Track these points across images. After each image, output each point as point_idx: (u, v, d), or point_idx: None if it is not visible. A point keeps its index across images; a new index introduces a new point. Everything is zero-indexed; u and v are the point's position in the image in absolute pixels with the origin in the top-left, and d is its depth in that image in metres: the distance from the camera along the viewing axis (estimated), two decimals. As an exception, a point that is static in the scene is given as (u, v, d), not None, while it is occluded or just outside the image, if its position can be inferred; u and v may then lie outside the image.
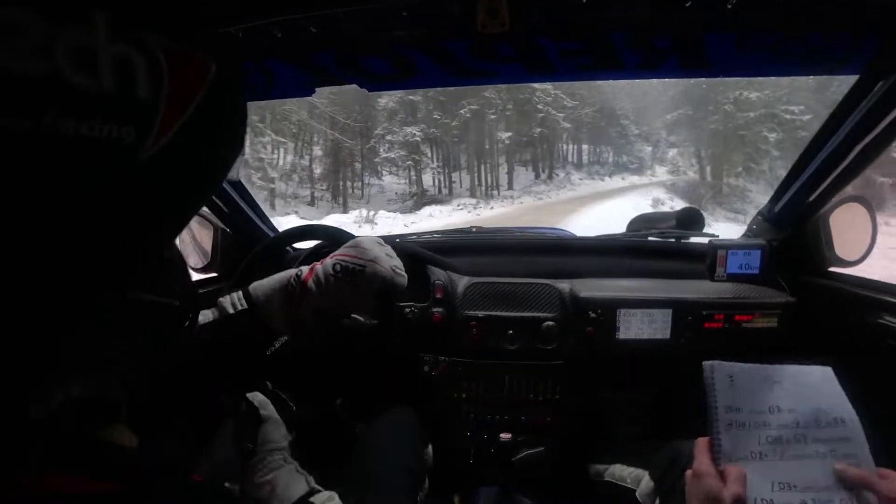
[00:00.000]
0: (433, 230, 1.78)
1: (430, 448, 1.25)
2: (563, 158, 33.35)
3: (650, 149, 36.27)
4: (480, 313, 1.36)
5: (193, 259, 1.49)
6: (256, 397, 0.96)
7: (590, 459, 1.36)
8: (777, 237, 1.42)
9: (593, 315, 1.33)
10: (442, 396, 1.39)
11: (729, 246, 1.35)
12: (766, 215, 1.46)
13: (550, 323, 1.35)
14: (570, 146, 34.46)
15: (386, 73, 1.15)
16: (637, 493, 1.10)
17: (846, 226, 1.32)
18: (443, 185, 27.09)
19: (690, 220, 1.54)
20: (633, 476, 1.17)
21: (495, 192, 26.54)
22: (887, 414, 1.05)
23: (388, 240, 1.51)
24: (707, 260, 1.36)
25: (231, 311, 0.88)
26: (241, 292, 0.90)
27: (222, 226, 1.50)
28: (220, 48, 0.33)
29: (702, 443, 0.62)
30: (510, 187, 27.57)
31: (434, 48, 1.07)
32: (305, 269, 0.90)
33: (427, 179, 26.49)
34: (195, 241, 1.49)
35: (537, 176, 30.11)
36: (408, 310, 1.36)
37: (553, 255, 1.58)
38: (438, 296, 1.37)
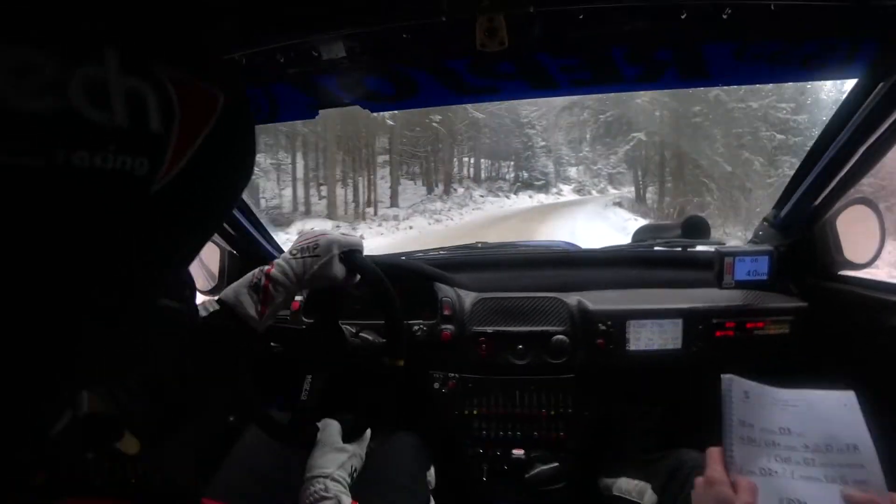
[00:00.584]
0: (439, 247, 1.78)
1: (432, 470, 1.24)
2: (457, 172, 28.87)
3: (553, 164, 34.04)
4: (489, 329, 1.36)
5: (201, 282, 1.49)
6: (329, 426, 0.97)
7: (601, 473, 1.34)
8: (784, 242, 1.41)
9: (603, 327, 1.32)
10: (453, 413, 1.38)
11: (736, 253, 1.35)
12: (771, 221, 1.45)
13: (560, 336, 1.34)
14: (468, 158, 30.56)
15: (388, 93, 1.17)
16: None
17: (854, 228, 1.31)
18: (300, 201, 20.13)
19: (696, 228, 1.54)
20: (638, 489, 1.15)
21: (370, 211, 20.78)
22: None
23: (394, 257, 1.53)
24: (714, 268, 1.36)
25: (204, 313, 0.90)
26: (211, 298, 0.94)
27: (229, 248, 1.51)
28: (228, 78, 0.34)
29: (715, 452, 0.64)
30: (393, 204, 21.92)
31: (435, 68, 1.09)
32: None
33: (288, 193, 20.37)
34: (202, 264, 1.49)
35: (430, 191, 25.10)
36: (416, 328, 1.36)
37: (560, 269, 1.58)
38: (446, 313, 1.37)
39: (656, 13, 0.91)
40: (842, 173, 1.18)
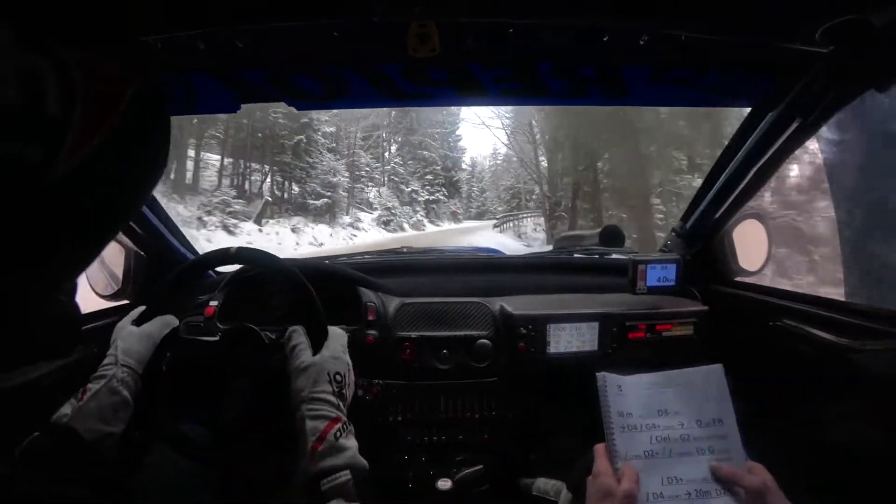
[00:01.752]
0: (364, 251, 1.75)
1: None
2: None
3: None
4: (413, 334, 1.35)
5: (102, 285, 1.36)
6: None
7: (522, 474, 1.38)
8: (689, 251, 1.54)
9: (524, 331, 1.36)
10: (376, 420, 1.36)
11: (648, 261, 1.45)
12: (679, 231, 1.58)
13: (483, 341, 1.36)
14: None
15: (316, 92, 1.13)
16: None
17: (747, 240, 1.47)
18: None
19: (612, 236, 1.63)
20: (555, 489, 1.19)
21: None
22: (780, 405, 1.17)
23: (317, 260, 1.48)
24: (629, 274, 1.45)
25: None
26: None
27: (135, 248, 1.38)
28: (141, 61, 0.31)
29: (600, 447, 0.69)
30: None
31: (366, 70, 1.07)
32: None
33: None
34: (104, 266, 1.36)
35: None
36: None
37: (484, 274, 1.61)
38: (370, 318, 1.34)
39: (582, 34, 0.96)
40: (737, 191, 1.31)
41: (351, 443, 0.80)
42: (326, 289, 1.20)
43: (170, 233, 1.45)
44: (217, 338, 1.07)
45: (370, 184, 30.16)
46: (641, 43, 0.93)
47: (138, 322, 0.94)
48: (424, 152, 35.24)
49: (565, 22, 0.93)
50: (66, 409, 0.79)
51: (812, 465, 1.06)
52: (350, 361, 0.93)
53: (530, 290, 1.52)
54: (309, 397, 0.83)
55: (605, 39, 0.93)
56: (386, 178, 32.39)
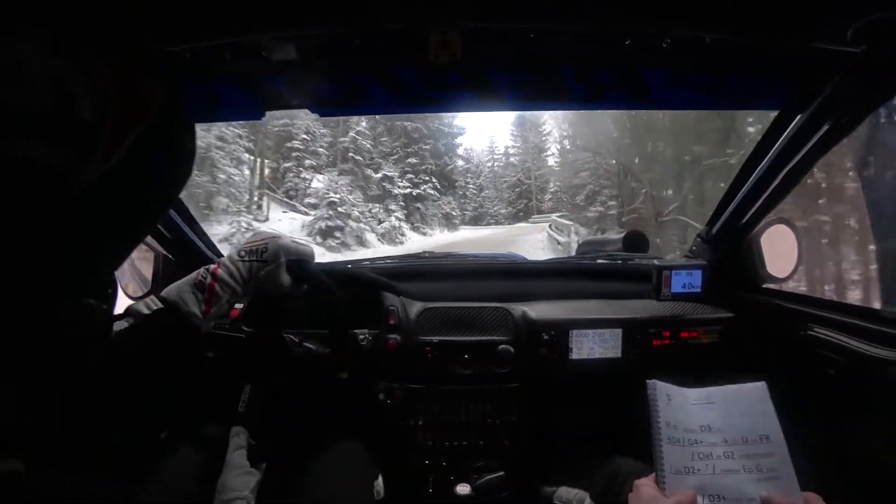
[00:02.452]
0: (386, 256, 1.76)
1: (380, 479, 1.22)
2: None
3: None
4: (435, 339, 1.35)
5: (132, 288, 1.40)
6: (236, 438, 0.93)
7: (543, 481, 1.37)
8: (715, 257, 1.51)
9: (546, 337, 1.35)
10: (397, 424, 1.36)
11: (673, 267, 1.42)
12: (704, 237, 1.55)
13: (505, 346, 1.35)
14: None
15: (337, 98, 1.15)
16: None
17: (775, 245, 1.42)
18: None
19: (636, 242, 1.61)
20: (578, 497, 1.17)
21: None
22: (816, 418, 1.13)
23: (341, 265, 1.49)
24: (653, 280, 1.42)
25: (146, 311, 0.86)
26: (153, 295, 0.90)
27: (164, 252, 1.42)
28: (170, 71, 0.32)
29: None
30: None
31: (385, 76, 1.08)
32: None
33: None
34: (134, 269, 1.40)
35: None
36: (361, 337, 1.33)
37: (505, 279, 1.60)
38: (392, 322, 1.35)
39: (603, 38, 0.95)
40: (765, 195, 1.28)
41: None
42: (349, 293, 1.21)
43: (195, 235, 1.49)
44: (243, 337, 1.10)
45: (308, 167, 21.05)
46: (664, 46, 0.92)
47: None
48: (406, 124, 26.05)
49: (587, 26, 0.92)
50: (194, 308, 0.88)
51: (844, 483, 1.02)
52: None
53: (553, 296, 1.51)
54: None
55: (627, 43, 0.92)
56: (338, 157, 22.43)
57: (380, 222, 21.15)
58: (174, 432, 1.17)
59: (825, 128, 1.05)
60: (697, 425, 0.66)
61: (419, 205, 25.77)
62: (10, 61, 0.23)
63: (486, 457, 1.37)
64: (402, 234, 21.87)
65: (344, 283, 1.26)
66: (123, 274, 1.40)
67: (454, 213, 29.44)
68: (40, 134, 0.24)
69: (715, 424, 0.66)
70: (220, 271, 0.91)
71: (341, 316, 1.03)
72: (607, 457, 1.15)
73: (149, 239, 1.38)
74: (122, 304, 1.38)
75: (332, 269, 1.40)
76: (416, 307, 1.41)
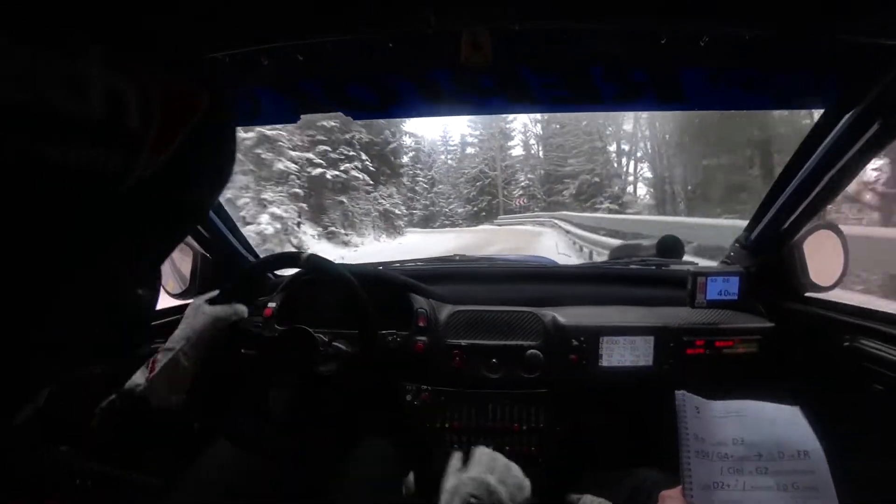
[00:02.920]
0: (416, 258, 1.77)
1: (410, 476, 1.22)
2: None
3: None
4: (464, 342, 1.35)
5: (172, 285, 1.45)
6: None
7: (569, 489, 1.34)
8: (754, 264, 1.45)
9: (576, 343, 1.33)
10: (425, 426, 1.36)
11: (708, 273, 1.38)
12: (743, 243, 1.49)
13: (534, 351, 1.34)
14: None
15: (371, 102, 1.17)
16: None
17: (819, 252, 1.36)
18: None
19: (670, 247, 1.57)
20: None
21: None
22: (861, 436, 1.07)
23: (370, 266, 1.51)
24: (687, 287, 1.38)
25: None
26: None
27: (202, 251, 1.47)
28: (212, 78, 0.33)
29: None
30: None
31: (419, 79, 1.09)
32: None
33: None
34: (173, 267, 1.46)
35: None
36: (390, 338, 1.34)
37: (536, 283, 1.59)
38: (421, 324, 1.36)
39: (638, 37, 0.93)
40: (809, 199, 1.22)
41: None
42: (379, 294, 1.22)
43: (233, 237, 1.54)
44: (275, 336, 1.12)
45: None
46: (702, 44, 0.90)
47: (212, 302, 1.00)
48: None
49: (622, 25, 0.91)
50: (139, 379, 0.87)
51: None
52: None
53: (583, 301, 1.49)
54: None
55: (662, 42, 0.91)
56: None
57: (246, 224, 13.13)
58: (207, 425, 1.21)
59: (876, 126, 1.00)
60: (730, 438, 0.63)
61: (342, 198, 17.38)
62: (70, 74, 0.25)
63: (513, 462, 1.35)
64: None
65: (374, 285, 1.28)
66: (164, 272, 1.46)
67: (397, 212, 21.31)
68: (96, 141, 0.26)
69: (748, 438, 0.63)
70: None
71: (370, 316, 1.04)
72: (632, 468, 1.12)
73: (188, 239, 1.44)
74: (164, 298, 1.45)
75: (362, 271, 1.42)
76: (445, 310, 1.41)
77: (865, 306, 1.20)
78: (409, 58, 1.03)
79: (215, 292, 1.07)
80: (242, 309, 1.03)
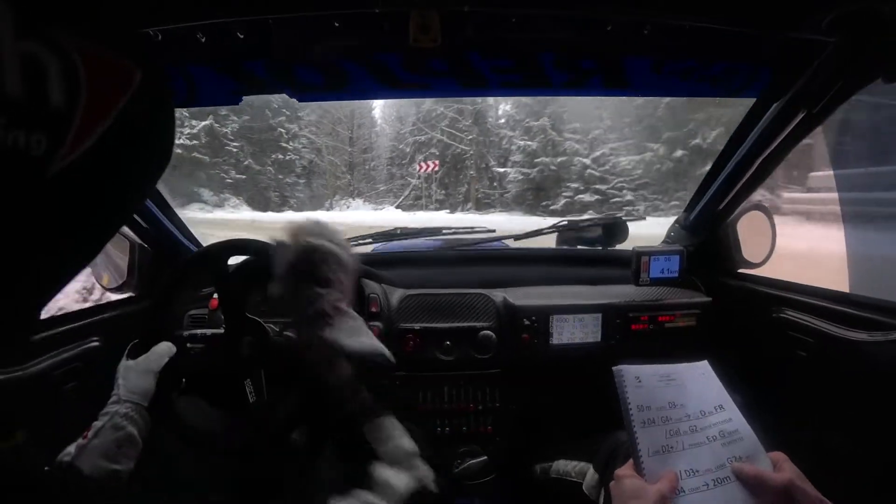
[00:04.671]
0: (357, 236, 1.72)
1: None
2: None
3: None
4: (417, 325, 1.36)
5: (107, 278, 1.36)
6: None
7: (535, 460, 1.39)
8: (693, 243, 1.54)
9: (528, 322, 1.37)
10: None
11: (651, 252, 1.44)
12: (682, 223, 1.58)
13: (486, 332, 1.36)
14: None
15: (317, 83, 1.13)
16: (584, 487, 1.13)
17: (751, 231, 1.46)
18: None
19: (616, 229, 1.63)
20: (578, 469, 1.20)
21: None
22: (789, 398, 1.17)
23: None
24: (632, 266, 1.44)
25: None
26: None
27: (139, 241, 1.39)
28: (145, 52, 0.31)
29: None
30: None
31: (366, 60, 1.06)
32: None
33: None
34: (108, 259, 1.36)
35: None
36: None
37: (486, 266, 1.61)
38: (374, 310, 1.35)
39: (584, 24, 0.95)
40: (741, 182, 1.31)
41: None
42: None
43: (173, 225, 1.46)
44: (222, 330, 1.08)
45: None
46: (645, 33, 0.92)
47: (134, 354, 0.93)
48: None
49: (569, 12, 0.92)
50: (71, 448, 0.78)
51: (817, 460, 1.06)
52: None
53: (533, 282, 1.53)
54: None
55: (608, 29, 0.93)
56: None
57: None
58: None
59: (800, 116, 1.07)
60: (666, 402, 0.68)
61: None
62: None
63: (470, 442, 1.39)
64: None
65: None
66: (97, 265, 1.37)
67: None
68: (18, 120, 0.24)
69: (678, 401, 0.68)
70: None
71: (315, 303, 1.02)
72: (606, 433, 1.17)
73: (124, 229, 1.34)
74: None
75: None
76: (397, 294, 1.40)
77: (788, 280, 1.30)
78: (356, 38, 1.00)
79: (134, 342, 0.99)
80: (170, 348, 0.96)
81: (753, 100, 1.15)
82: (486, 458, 1.37)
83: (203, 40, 0.97)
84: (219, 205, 20.28)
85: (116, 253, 1.36)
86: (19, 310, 0.31)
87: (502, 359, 1.38)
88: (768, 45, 0.99)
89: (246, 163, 21.45)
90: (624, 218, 1.63)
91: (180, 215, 1.48)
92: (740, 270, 1.48)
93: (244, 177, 21.36)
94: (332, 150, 26.52)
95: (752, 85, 1.09)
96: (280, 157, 22.90)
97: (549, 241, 1.83)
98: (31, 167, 0.25)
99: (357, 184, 27.15)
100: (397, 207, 23.19)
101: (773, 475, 0.60)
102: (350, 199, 26.21)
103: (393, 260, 1.59)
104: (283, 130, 22.76)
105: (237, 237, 1.10)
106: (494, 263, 1.64)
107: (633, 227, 1.61)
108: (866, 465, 0.98)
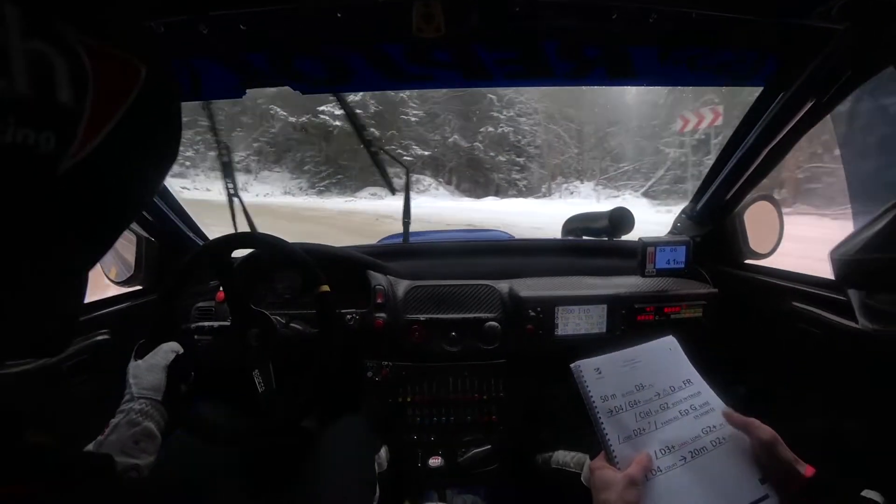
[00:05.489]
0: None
1: (383, 451, 1.24)
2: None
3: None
4: (422, 316, 1.36)
5: (115, 272, 1.38)
6: None
7: (537, 450, 1.40)
8: (699, 233, 1.53)
9: (533, 313, 1.37)
10: (387, 402, 1.38)
11: (657, 243, 1.44)
12: (688, 213, 1.56)
13: (492, 323, 1.37)
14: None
15: (321, 76, 1.12)
16: (582, 478, 1.14)
17: (758, 222, 1.45)
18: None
19: (622, 219, 1.62)
20: (576, 460, 1.21)
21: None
22: (796, 389, 1.17)
23: (325, 245, 1.49)
24: (638, 256, 1.44)
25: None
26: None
27: (146, 235, 1.40)
28: (150, 48, 0.31)
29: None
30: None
31: (369, 51, 1.06)
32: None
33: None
34: (116, 253, 1.38)
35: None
36: (349, 316, 1.33)
37: (492, 257, 1.61)
38: (379, 301, 1.36)
39: (589, 12, 0.93)
40: (748, 172, 1.29)
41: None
42: (335, 273, 1.21)
43: (179, 219, 1.47)
44: (228, 322, 1.09)
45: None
46: (650, 21, 0.91)
47: (141, 354, 0.94)
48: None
49: (573, 0, 0.91)
50: (90, 446, 0.80)
51: (824, 451, 1.06)
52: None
53: (539, 273, 1.53)
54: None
55: (613, 17, 0.91)
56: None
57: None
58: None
59: (808, 105, 1.05)
60: (633, 385, 0.69)
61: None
62: None
63: (474, 431, 1.40)
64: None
65: (329, 263, 1.26)
66: (106, 258, 1.38)
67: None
68: (26, 118, 0.24)
69: (646, 382, 0.69)
70: None
71: (328, 295, 1.03)
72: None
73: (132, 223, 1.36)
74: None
75: (317, 250, 1.40)
76: (403, 285, 1.41)
77: (797, 271, 1.29)
78: (358, 29, 1.00)
79: (141, 342, 1.00)
80: (175, 346, 0.98)
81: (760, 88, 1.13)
82: (489, 447, 1.39)
83: (205, 32, 0.97)
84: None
85: (123, 246, 1.38)
86: (36, 304, 0.32)
87: (507, 349, 1.39)
88: (776, 33, 0.97)
89: (451, 139, 19.12)
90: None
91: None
92: (747, 261, 1.47)
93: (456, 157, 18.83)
94: (555, 118, 21.36)
95: (759, 73, 1.07)
96: (491, 130, 19.78)
97: (555, 232, 1.83)
98: (40, 165, 0.25)
99: (588, 161, 21.63)
100: (645, 195, 17.62)
101: (761, 425, 0.62)
102: (578, 183, 21.24)
103: (399, 252, 1.59)
104: (493, 97, 19.55)
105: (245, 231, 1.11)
106: (500, 254, 1.64)
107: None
108: (876, 457, 0.97)
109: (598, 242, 1.69)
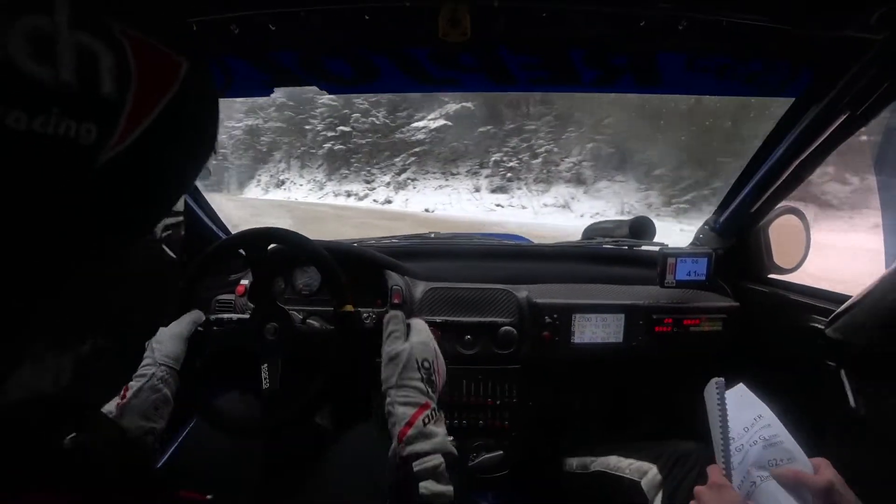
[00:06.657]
0: (391, 235, 1.76)
1: None
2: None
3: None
4: (438, 318, 1.36)
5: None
6: None
7: (563, 455, 1.39)
8: (722, 246, 1.50)
9: (549, 320, 1.36)
10: None
11: (678, 254, 1.41)
12: (711, 225, 1.53)
13: (507, 328, 1.36)
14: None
15: (347, 76, 1.13)
16: (642, 483, 1.13)
17: (784, 236, 1.41)
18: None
19: (642, 228, 1.60)
20: (635, 468, 1.19)
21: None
22: (819, 409, 1.14)
23: (345, 243, 1.50)
24: (658, 267, 1.42)
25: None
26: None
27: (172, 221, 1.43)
28: (191, 43, 0.31)
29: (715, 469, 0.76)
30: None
31: (396, 53, 1.07)
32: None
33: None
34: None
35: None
36: (365, 315, 1.34)
37: (510, 261, 1.60)
38: (396, 301, 1.36)
39: (617, 19, 0.93)
40: (776, 185, 1.26)
41: (440, 429, 0.78)
42: (353, 271, 1.22)
43: (204, 214, 1.50)
44: (247, 315, 1.11)
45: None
46: (680, 28, 0.90)
47: (166, 322, 0.97)
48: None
49: (601, 7, 0.90)
50: (111, 407, 0.83)
51: (852, 475, 1.03)
52: (437, 349, 0.92)
53: (557, 280, 1.51)
54: (398, 384, 0.83)
55: (641, 25, 0.90)
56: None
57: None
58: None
59: (843, 117, 1.02)
60: (741, 422, 0.78)
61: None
62: (36, 34, 0.23)
63: (486, 436, 1.39)
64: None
65: (348, 262, 1.27)
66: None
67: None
68: (67, 109, 0.24)
69: (735, 417, 0.78)
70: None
71: (346, 293, 1.04)
72: (666, 438, 1.18)
73: None
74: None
75: (336, 248, 1.41)
76: (420, 287, 1.41)
77: (819, 287, 1.26)
78: (385, 31, 1.01)
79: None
80: (200, 316, 1.01)
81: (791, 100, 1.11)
82: (501, 452, 1.38)
83: (236, 32, 0.99)
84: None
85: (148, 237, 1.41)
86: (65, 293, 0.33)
87: (522, 355, 1.38)
88: (810, 43, 0.95)
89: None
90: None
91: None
92: (772, 276, 1.43)
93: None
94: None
95: (790, 84, 1.05)
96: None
97: (575, 238, 1.81)
98: (80, 156, 0.26)
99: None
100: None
101: (813, 476, 0.66)
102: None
103: (416, 252, 1.60)
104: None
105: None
106: (518, 259, 1.63)
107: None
108: None
109: (617, 251, 1.67)
